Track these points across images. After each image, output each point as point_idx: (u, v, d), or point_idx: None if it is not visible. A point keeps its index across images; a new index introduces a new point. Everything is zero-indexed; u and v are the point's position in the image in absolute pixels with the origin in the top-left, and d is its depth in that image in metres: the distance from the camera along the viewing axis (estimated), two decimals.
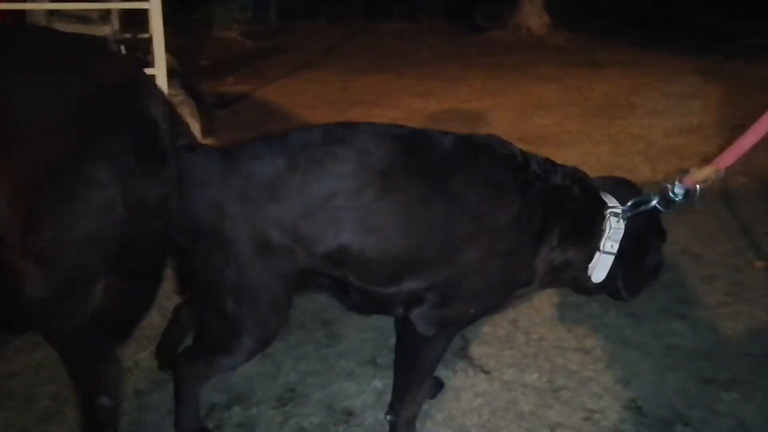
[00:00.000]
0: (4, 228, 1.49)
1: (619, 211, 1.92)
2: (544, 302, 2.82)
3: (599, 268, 1.94)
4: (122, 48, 4.66)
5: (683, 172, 1.94)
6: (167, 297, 2.28)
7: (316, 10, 11.40)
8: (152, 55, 4.29)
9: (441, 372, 2.33)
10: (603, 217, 1.92)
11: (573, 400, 2.27)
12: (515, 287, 1.90)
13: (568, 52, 9.11)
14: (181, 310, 2.21)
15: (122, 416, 1.91)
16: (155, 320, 2.43)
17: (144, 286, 1.76)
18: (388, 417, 2.04)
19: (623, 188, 2.03)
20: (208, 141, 4.32)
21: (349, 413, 2.18)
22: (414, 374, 1.93)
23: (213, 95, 6.12)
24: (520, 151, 1.90)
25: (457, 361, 2.44)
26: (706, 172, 1.90)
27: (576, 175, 1.96)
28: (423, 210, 1.74)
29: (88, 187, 1.50)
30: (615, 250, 1.92)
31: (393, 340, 2.37)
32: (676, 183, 1.93)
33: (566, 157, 4.21)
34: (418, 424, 2.06)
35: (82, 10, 4.86)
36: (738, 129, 5.20)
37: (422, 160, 1.78)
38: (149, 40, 4.30)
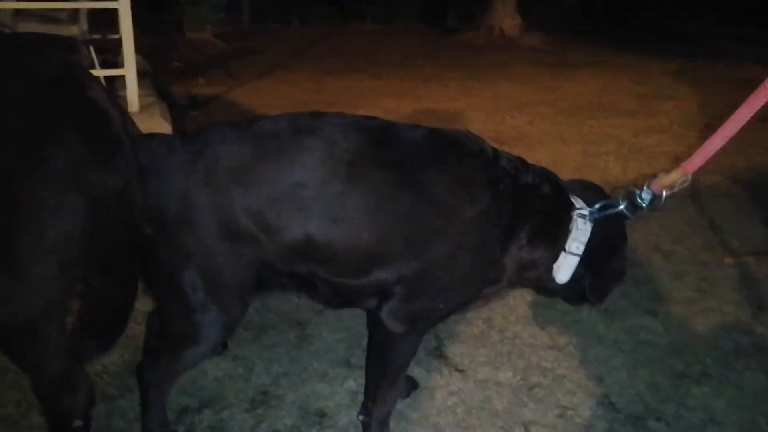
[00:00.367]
0: None
1: (586, 213, 1.92)
2: (518, 301, 2.82)
3: (564, 269, 1.94)
4: (91, 49, 4.57)
5: (651, 177, 1.92)
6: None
7: (289, 12, 11.34)
8: (122, 56, 4.23)
9: (415, 371, 2.33)
10: (570, 218, 1.92)
11: (547, 398, 2.27)
12: (484, 284, 1.89)
13: (540, 53, 9.17)
14: (152, 318, 2.18)
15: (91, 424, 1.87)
16: None
17: (120, 281, 1.72)
18: (361, 417, 2.02)
19: (590, 191, 2.02)
20: None
21: (323, 414, 2.16)
22: (385, 373, 1.92)
23: (185, 97, 6.05)
24: (491, 147, 1.89)
25: (432, 360, 2.44)
26: (674, 176, 1.87)
27: (545, 175, 1.95)
28: (391, 201, 1.72)
29: (44, 187, 1.44)
30: (581, 251, 1.91)
31: (366, 341, 2.36)
32: (644, 188, 1.90)
33: (538, 156, 4.25)
34: (392, 424, 2.05)
35: (50, 9, 4.76)
36: (708, 129, 5.30)
37: (391, 151, 1.76)
38: (119, 41, 4.24)
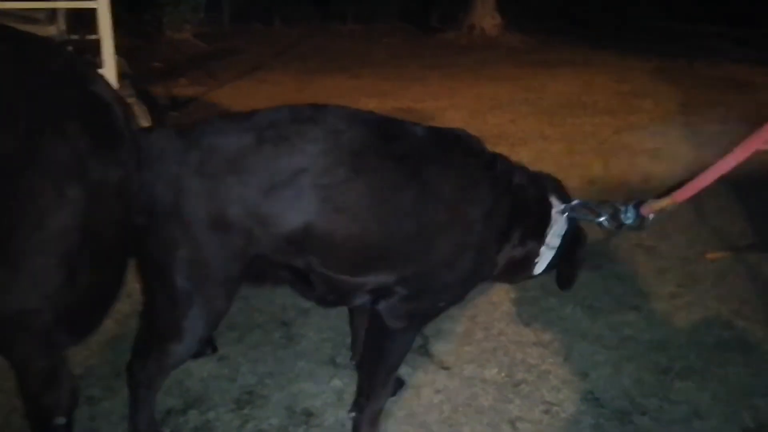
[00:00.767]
0: None
1: (563, 209, 1.98)
2: (502, 297, 2.83)
3: (542, 262, 2.00)
4: (70, 49, 4.53)
5: (640, 201, 1.98)
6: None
7: (270, 12, 11.29)
8: (101, 56, 4.19)
9: (401, 369, 2.31)
10: (551, 216, 1.97)
11: (532, 394, 2.28)
12: (480, 280, 1.93)
13: (520, 53, 9.22)
14: (143, 316, 2.16)
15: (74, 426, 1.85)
16: (107, 325, 2.35)
17: (108, 273, 1.69)
18: (352, 414, 2.02)
19: (554, 182, 2.07)
20: None
21: (309, 414, 2.15)
22: (381, 368, 1.92)
23: (165, 97, 6.01)
24: (486, 147, 1.93)
25: (417, 357, 2.43)
26: (663, 203, 1.93)
27: (527, 173, 2.00)
28: (395, 195, 1.70)
29: (45, 177, 1.43)
30: (557, 245, 1.98)
31: (350, 340, 2.36)
32: (630, 207, 1.96)
33: (520, 154, 4.26)
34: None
35: (27, 9, 4.70)
36: (687, 126, 5.36)
37: (395, 145, 1.75)
38: (98, 42, 4.20)
